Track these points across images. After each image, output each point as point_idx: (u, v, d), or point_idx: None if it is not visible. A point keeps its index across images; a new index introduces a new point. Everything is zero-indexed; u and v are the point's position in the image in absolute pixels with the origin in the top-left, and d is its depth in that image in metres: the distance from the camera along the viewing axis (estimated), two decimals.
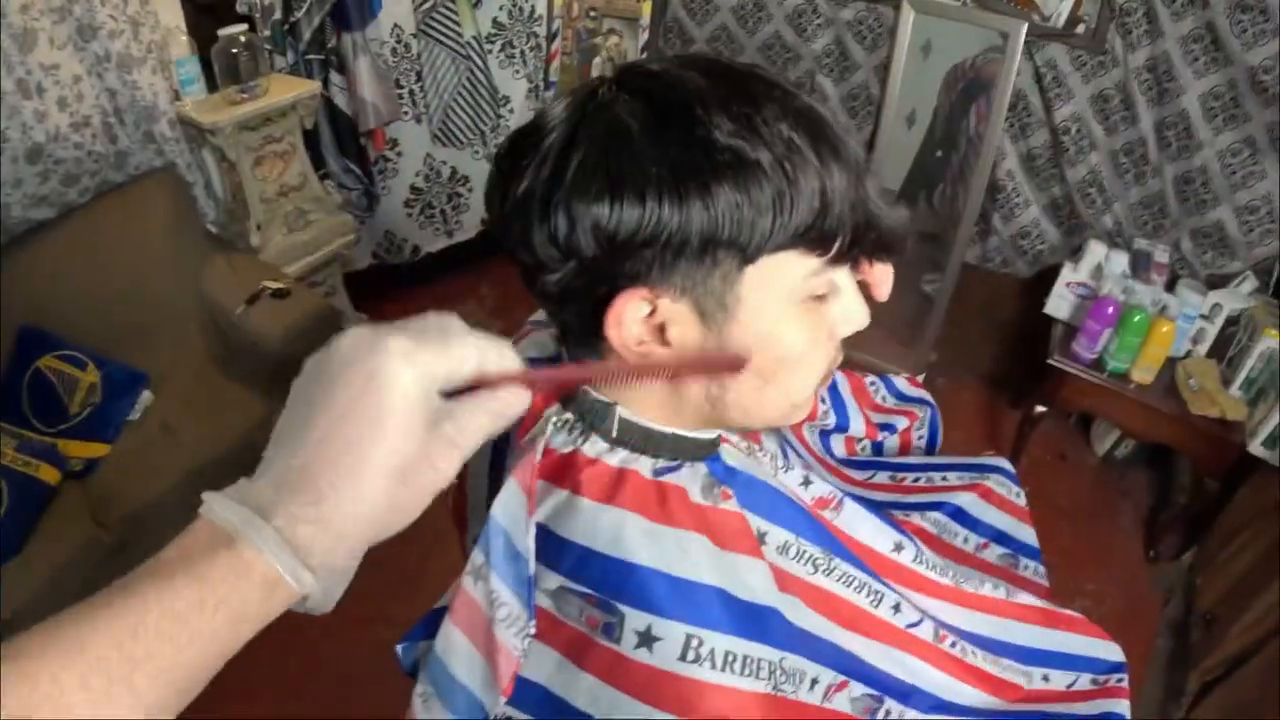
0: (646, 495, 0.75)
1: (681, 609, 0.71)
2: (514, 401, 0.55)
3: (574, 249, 0.64)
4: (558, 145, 0.65)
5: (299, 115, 2.89)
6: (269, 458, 0.52)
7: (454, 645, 0.73)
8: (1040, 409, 2.81)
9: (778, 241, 0.64)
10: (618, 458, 0.76)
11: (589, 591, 0.72)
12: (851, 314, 0.74)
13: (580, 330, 0.72)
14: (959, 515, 1.27)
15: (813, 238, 0.65)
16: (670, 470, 0.77)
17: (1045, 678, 1.08)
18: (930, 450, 1.53)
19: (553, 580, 0.73)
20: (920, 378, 3.30)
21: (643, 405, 0.75)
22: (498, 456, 0.89)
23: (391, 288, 3.69)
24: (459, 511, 0.97)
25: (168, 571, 0.46)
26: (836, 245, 0.66)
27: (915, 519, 1.23)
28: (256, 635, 0.48)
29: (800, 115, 0.65)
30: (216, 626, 0.47)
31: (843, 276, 0.72)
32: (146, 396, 2.55)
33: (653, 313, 0.67)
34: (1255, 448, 2.43)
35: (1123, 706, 1.08)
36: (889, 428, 1.49)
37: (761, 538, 0.82)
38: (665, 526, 0.74)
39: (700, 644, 0.70)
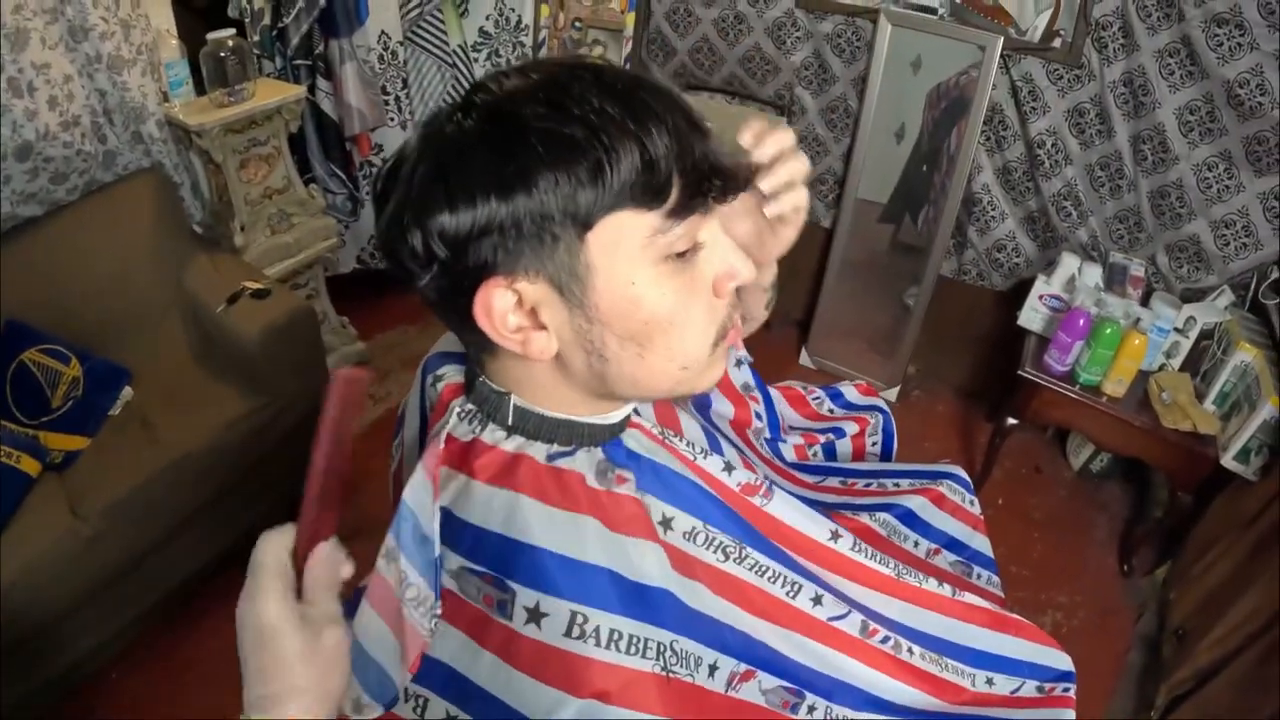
0: (541, 479, 0.78)
1: (569, 587, 0.74)
2: (329, 566, 0.71)
3: (431, 256, 0.68)
4: (409, 170, 0.70)
5: (284, 119, 2.93)
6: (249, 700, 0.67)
7: (369, 624, 0.76)
8: (1012, 421, 2.80)
9: (605, 204, 0.66)
10: (513, 444, 0.79)
11: (485, 570, 0.76)
12: (728, 264, 0.75)
13: (463, 329, 0.77)
14: (909, 518, 1.28)
15: (640, 195, 0.67)
16: (564, 455, 0.80)
17: (989, 681, 1.09)
18: (885, 457, 1.54)
19: (454, 561, 0.77)
20: (896, 389, 3.34)
21: (535, 394, 0.79)
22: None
23: (374, 292, 3.71)
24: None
25: None
26: (673, 198, 0.68)
27: (864, 518, 1.24)
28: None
29: (608, 87, 0.68)
30: None
31: (709, 231, 0.74)
32: (127, 392, 2.58)
33: (520, 300, 0.70)
34: (1228, 461, 2.41)
35: (1068, 716, 1.09)
36: (835, 431, 1.50)
37: (667, 522, 0.84)
38: (559, 509, 0.77)
39: (585, 620, 0.73)
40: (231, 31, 2.73)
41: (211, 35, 2.69)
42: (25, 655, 2.13)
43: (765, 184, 0.87)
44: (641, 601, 0.77)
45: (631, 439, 0.86)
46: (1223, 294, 2.69)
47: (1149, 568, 2.77)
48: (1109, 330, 2.50)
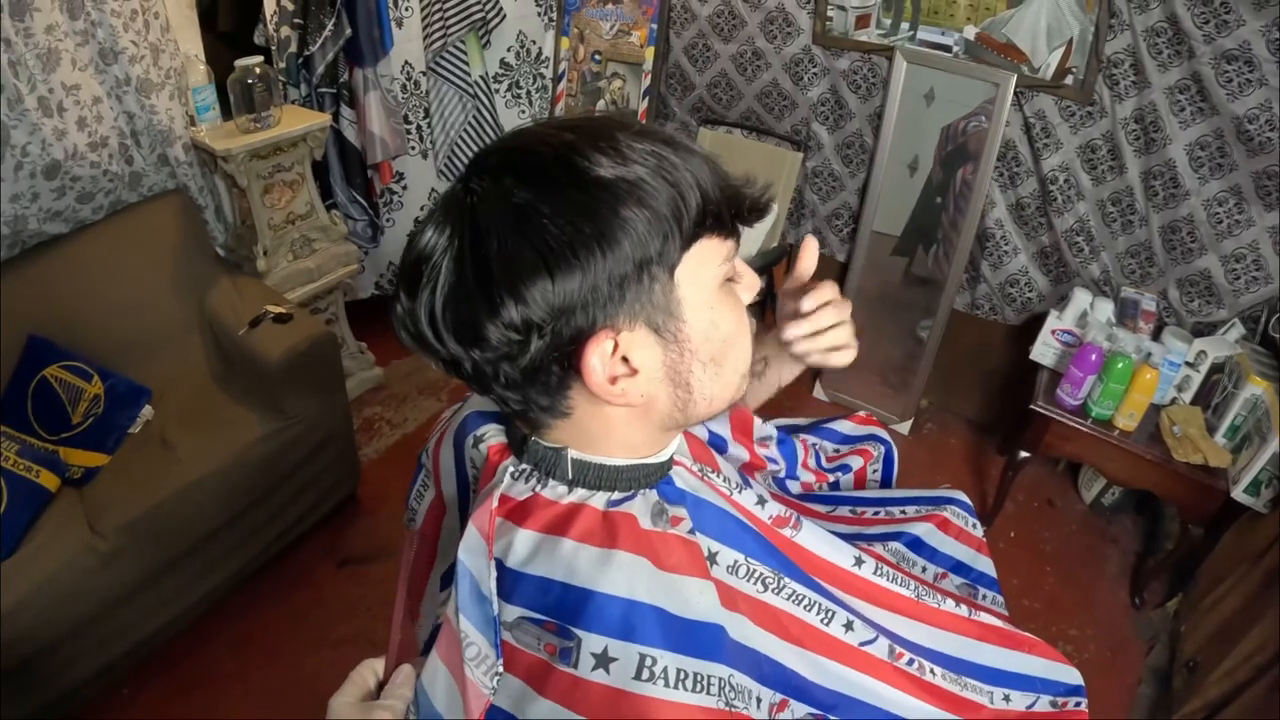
0: (594, 525, 0.79)
1: (634, 630, 0.75)
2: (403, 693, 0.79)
3: (530, 326, 0.68)
4: (465, 248, 0.69)
5: (309, 146, 2.98)
6: None
7: (437, 678, 0.77)
8: (1024, 455, 2.81)
9: (688, 238, 0.71)
10: (575, 496, 0.81)
11: (546, 619, 0.76)
12: (752, 285, 0.83)
13: (546, 402, 0.76)
14: (917, 545, 1.30)
15: (710, 223, 0.73)
16: (625, 500, 0.81)
17: (1006, 698, 1.10)
18: (886, 483, 1.56)
19: (511, 612, 0.77)
20: (909, 423, 3.35)
21: (591, 444, 0.80)
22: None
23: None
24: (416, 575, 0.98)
25: None
26: (727, 221, 0.75)
27: (877, 549, 1.26)
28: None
29: (646, 133, 0.72)
30: None
31: (736, 258, 0.81)
32: (148, 411, 2.60)
33: (614, 349, 0.71)
34: (1239, 494, 2.40)
35: None
36: (842, 468, 1.52)
37: (713, 557, 0.86)
38: (611, 550, 0.78)
39: (654, 662, 0.74)
40: (259, 59, 2.77)
41: (239, 62, 2.74)
42: (39, 668, 2.13)
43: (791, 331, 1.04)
44: (695, 638, 0.78)
45: (678, 477, 0.88)
46: (1233, 328, 2.71)
47: (1160, 600, 2.76)
48: (1121, 365, 2.52)
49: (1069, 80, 2.73)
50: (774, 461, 1.35)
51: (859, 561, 1.01)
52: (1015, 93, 2.78)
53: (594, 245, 0.66)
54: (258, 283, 2.89)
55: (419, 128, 3.47)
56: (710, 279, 0.75)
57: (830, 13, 3.09)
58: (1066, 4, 2.65)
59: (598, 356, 0.70)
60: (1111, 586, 2.87)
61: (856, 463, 1.52)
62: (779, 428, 1.41)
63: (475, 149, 3.47)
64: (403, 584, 0.83)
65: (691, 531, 0.83)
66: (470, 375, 0.74)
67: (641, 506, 0.81)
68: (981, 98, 2.92)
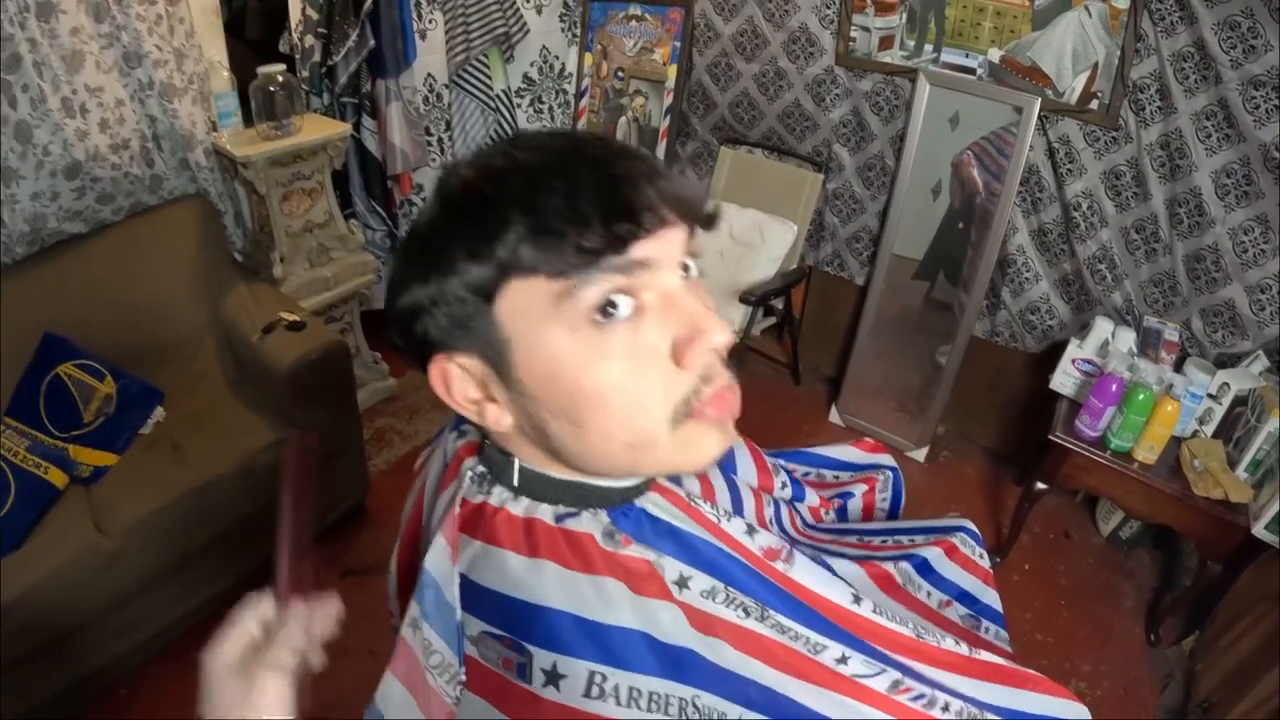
0: (557, 542, 0.77)
1: (587, 648, 0.74)
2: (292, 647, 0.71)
3: (399, 335, 0.74)
4: None
5: (329, 155, 2.99)
6: None
7: (391, 694, 0.77)
8: (1041, 486, 2.76)
9: (497, 272, 0.65)
10: (521, 506, 0.79)
11: (503, 634, 0.75)
12: (692, 330, 0.69)
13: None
14: (924, 568, 1.26)
15: (531, 258, 0.64)
16: (570, 516, 0.79)
17: None
18: (894, 513, 1.53)
19: (476, 626, 0.76)
20: (925, 450, 3.30)
21: (535, 457, 0.78)
22: None
23: None
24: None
25: None
26: (565, 256, 0.64)
27: (886, 566, 1.22)
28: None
29: (519, 150, 0.69)
30: None
31: (653, 290, 0.68)
32: (159, 412, 2.61)
33: (463, 370, 0.72)
34: (1259, 531, 2.34)
35: None
36: (844, 495, 1.49)
37: (684, 581, 0.82)
38: (581, 573, 0.76)
39: (604, 680, 0.73)
40: (282, 67, 2.80)
41: (262, 69, 2.76)
42: (38, 665, 2.13)
43: None
44: (666, 660, 0.77)
45: (650, 503, 0.83)
46: (1257, 359, 2.65)
47: (1176, 638, 2.70)
48: (1142, 396, 2.47)
49: (1094, 105, 2.71)
50: (784, 486, 1.31)
51: (857, 599, 0.94)
52: (1039, 117, 2.75)
53: (417, 273, 0.69)
54: (273, 289, 2.90)
55: (440, 140, 3.49)
56: (543, 317, 0.66)
57: (854, 34, 3.09)
58: (1092, 27, 2.63)
59: (447, 373, 0.72)
60: (1127, 622, 2.80)
61: (860, 489, 1.49)
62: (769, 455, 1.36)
63: None
64: (288, 492, 0.77)
65: (654, 553, 0.80)
66: None
67: (592, 524, 0.78)
68: (1005, 122, 2.90)
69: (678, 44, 3.52)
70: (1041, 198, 2.94)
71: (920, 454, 3.35)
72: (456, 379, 0.72)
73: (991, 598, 1.32)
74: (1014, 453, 3.39)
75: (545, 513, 0.78)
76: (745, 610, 0.84)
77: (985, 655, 1.06)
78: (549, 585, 0.75)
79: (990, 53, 2.85)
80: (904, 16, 2.98)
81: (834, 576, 0.96)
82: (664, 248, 0.68)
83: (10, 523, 2.16)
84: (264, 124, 2.82)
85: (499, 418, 0.73)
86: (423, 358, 0.73)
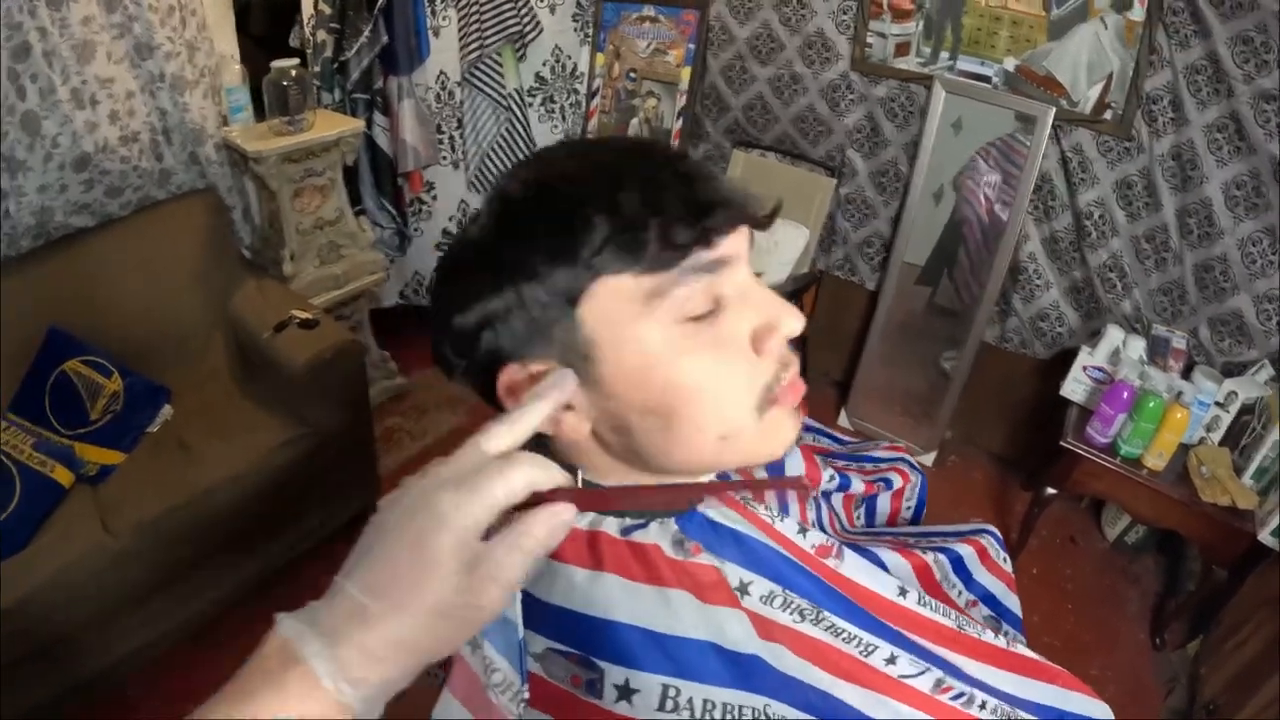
0: (622, 554, 0.76)
1: (659, 661, 0.73)
2: (556, 527, 0.57)
3: (456, 352, 0.72)
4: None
5: (341, 151, 2.96)
6: (337, 583, 0.56)
7: (450, 714, 0.75)
8: (1051, 491, 2.79)
9: (583, 274, 0.65)
10: (586, 520, 0.78)
11: (571, 650, 0.74)
12: (769, 316, 0.71)
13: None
14: (958, 564, 1.27)
15: (618, 256, 0.65)
16: (638, 528, 0.78)
17: None
18: (915, 521, 1.54)
19: (540, 643, 0.75)
20: (933, 455, 3.33)
21: (600, 469, 0.77)
22: None
23: (417, 329, 3.72)
24: None
25: (251, 686, 0.52)
26: (651, 255, 0.65)
27: (928, 557, 1.23)
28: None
29: (583, 153, 0.72)
30: None
31: (736, 286, 0.70)
32: (167, 410, 2.57)
33: (531, 380, 0.70)
34: (1265, 537, 2.38)
35: None
36: (885, 481, 1.50)
37: (744, 588, 0.82)
38: (646, 585, 0.76)
39: (678, 693, 0.73)
40: (296, 61, 2.76)
41: (276, 63, 2.73)
42: (44, 665, 2.10)
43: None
44: (740, 669, 0.76)
45: (711, 507, 0.83)
46: (1263, 368, 2.69)
47: (1180, 642, 2.74)
48: (1152, 404, 2.50)
49: (1108, 115, 2.74)
50: (832, 478, 1.32)
51: (903, 592, 0.96)
52: (1053, 126, 2.78)
53: (485, 284, 0.68)
54: (283, 287, 2.86)
55: (451, 138, 3.47)
56: (635, 317, 0.66)
57: (870, 39, 3.10)
58: (1107, 39, 2.66)
59: (516, 383, 0.70)
60: (1132, 627, 2.84)
61: (896, 480, 1.50)
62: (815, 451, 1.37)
63: (507, 162, 3.50)
64: None
65: (718, 560, 0.80)
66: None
67: (660, 534, 0.78)
68: (1005, 129, 2.93)
69: (692, 46, 3.52)
70: (1054, 206, 2.97)
71: (928, 459, 3.37)
72: (521, 391, 0.69)
73: (1013, 602, 1.33)
74: (1021, 458, 3.41)
75: (611, 525, 0.77)
76: (801, 614, 0.85)
77: (1021, 649, 1.07)
78: (615, 599, 0.74)
79: (1006, 61, 2.87)
80: (921, 23, 3.00)
81: (880, 569, 0.97)
82: (738, 244, 0.70)
83: (17, 521, 2.13)
84: (276, 119, 2.79)
85: (576, 426, 0.71)
86: (485, 371, 0.71)
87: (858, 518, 1.44)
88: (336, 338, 2.60)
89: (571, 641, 0.74)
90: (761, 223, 0.73)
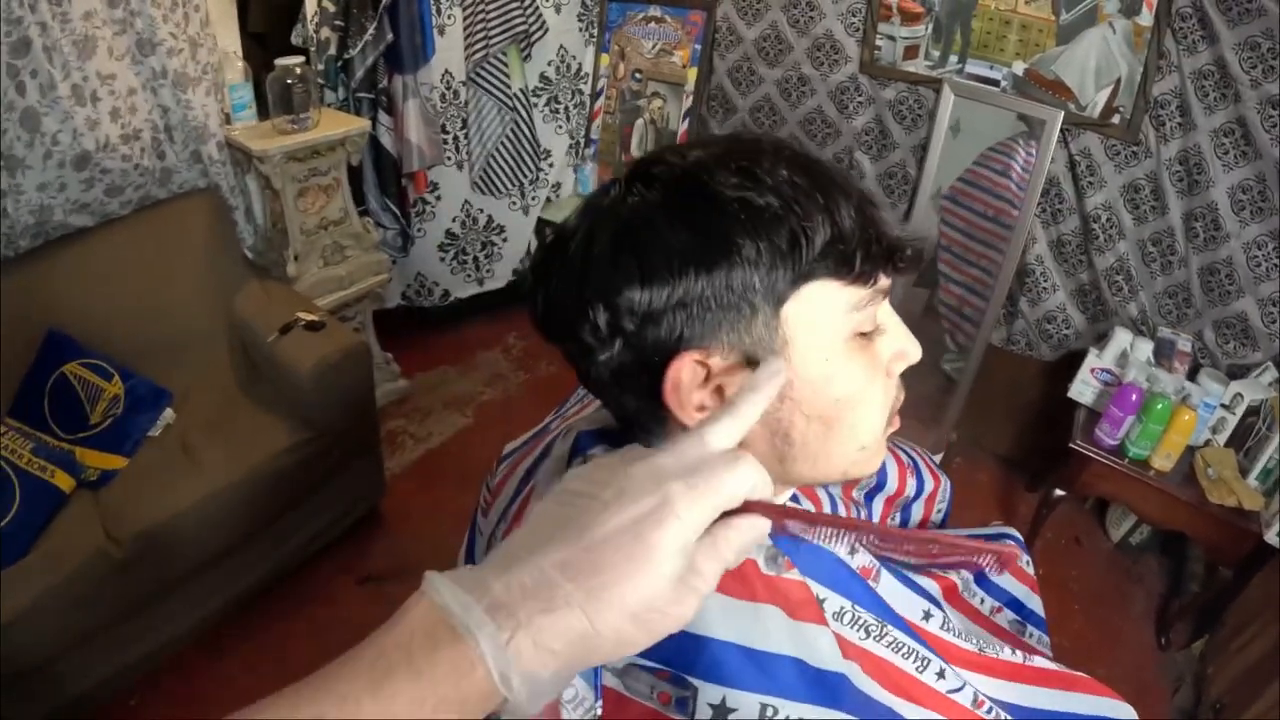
0: None
1: (756, 679, 0.72)
2: (752, 539, 0.55)
3: (617, 331, 0.67)
4: (580, 245, 0.70)
5: (346, 151, 2.92)
6: (506, 550, 0.51)
7: None
8: (1059, 493, 2.80)
9: (801, 276, 0.66)
10: None
11: (660, 666, 0.72)
12: (905, 348, 0.75)
13: (642, 410, 0.73)
14: (980, 577, 1.28)
15: (833, 264, 0.67)
16: None
17: None
18: (942, 526, 1.55)
19: (621, 659, 0.73)
20: (939, 457, 3.33)
21: None
22: None
23: (419, 330, 3.70)
24: None
25: (385, 665, 0.45)
26: (857, 271, 0.68)
27: (951, 575, 1.23)
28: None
29: (793, 160, 0.69)
30: None
31: (886, 313, 0.74)
32: (169, 414, 2.52)
33: (708, 376, 0.68)
34: (1271, 537, 2.40)
35: None
36: (918, 478, 1.50)
37: (820, 604, 0.81)
38: (741, 600, 0.75)
39: (775, 712, 0.72)
40: (301, 59, 2.73)
41: (280, 61, 2.69)
42: (46, 674, 2.06)
43: None
44: (826, 687, 0.76)
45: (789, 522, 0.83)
46: (1267, 370, 2.72)
47: (1185, 642, 2.76)
48: (1160, 405, 2.52)
49: (1115, 119, 2.76)
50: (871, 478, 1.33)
51: (927, 616, 0.97)
52: (1062, 130, 2.79)
53: (692, 261, 0.65)
54: (287, 288, 2.82)
55: (456, 138, 3.45)
56: (830, 325, 0.69)
57: (879, 42, 3.11)
58: (1116, 43, 2.68)
59: (682, 375, 0.67)
60: (1137, 627, 2.86)
61: (929, 484, 1.50)
62: None
63: (511, 162, 3.49)
64: None
65: (802, 576, 0.80)
66: (574, 366, 0.75)
67: (755, 549, 0.77)
68: (1004, 132, 2.95)
69: (698, 47, 3.52)
70: (1061, 209, 2.99)
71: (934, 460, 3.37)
72: (689, 381, 0.67)
73: (1036, 604, 1.34)
74: (1026, 460, 3.43)
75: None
76: (867, 630, 0.85)
77: (1039, 661, 1.07)
78: (712, 615, 0.73)
79: (1015, 65, 2.88)
80: (930, 26, 3.01)
81: (910, 591, 0.97)
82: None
83: (16, 528, 2.08)
84: (280, 118, 2.75)
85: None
86: (649, 354, 0.67)
87: (892, 520, 1.44)
88: (343, 340, 2.56)
89: (660, 657, 0.72)
90: (917, 267, 0.76)
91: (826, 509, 1.02)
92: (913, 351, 0.75)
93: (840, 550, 0.89)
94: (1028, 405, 3.34)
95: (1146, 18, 2.61)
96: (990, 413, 3.41)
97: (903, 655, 0.87)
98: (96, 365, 2.41)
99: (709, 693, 0.70)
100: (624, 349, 0.68)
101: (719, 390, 0.68)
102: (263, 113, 2.83)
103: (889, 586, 0.94)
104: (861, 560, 0.91)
